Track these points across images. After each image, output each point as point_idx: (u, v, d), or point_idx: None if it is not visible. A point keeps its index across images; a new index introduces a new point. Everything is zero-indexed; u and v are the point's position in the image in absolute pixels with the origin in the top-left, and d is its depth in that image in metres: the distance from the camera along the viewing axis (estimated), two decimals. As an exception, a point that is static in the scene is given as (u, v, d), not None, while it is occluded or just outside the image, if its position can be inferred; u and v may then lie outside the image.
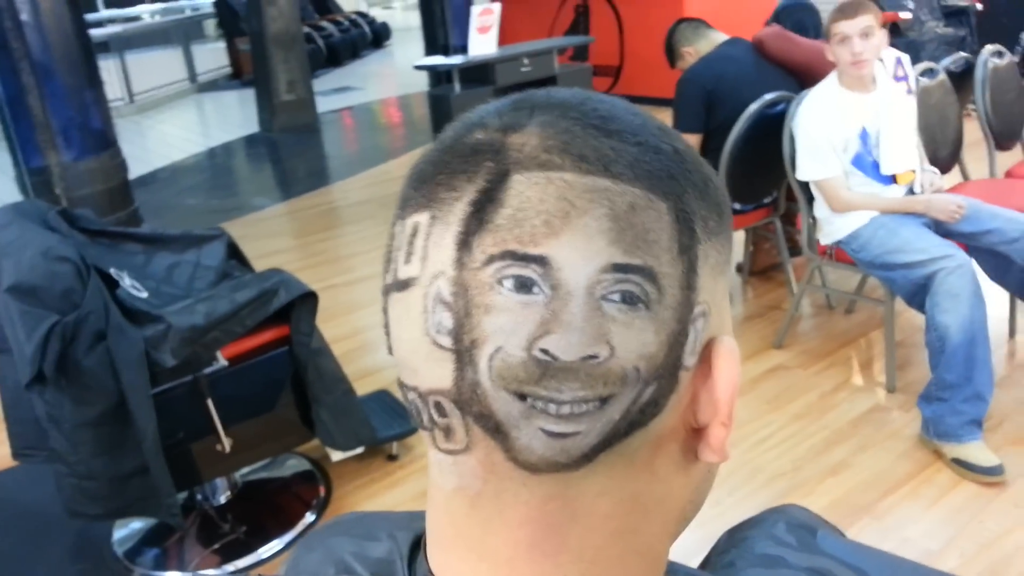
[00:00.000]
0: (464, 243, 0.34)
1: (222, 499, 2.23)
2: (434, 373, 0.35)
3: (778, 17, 3.21)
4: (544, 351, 0.33)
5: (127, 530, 2.21)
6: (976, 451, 2.17)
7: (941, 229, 2.45)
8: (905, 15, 6.04)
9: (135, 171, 5.10)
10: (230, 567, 2.05)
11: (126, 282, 1.93)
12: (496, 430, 0.35)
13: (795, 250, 3.25)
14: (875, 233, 2.43)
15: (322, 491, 2.29)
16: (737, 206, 2.95)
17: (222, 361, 1.90)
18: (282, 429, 2.07)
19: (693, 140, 2.87)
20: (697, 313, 0.36)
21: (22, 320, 1.62)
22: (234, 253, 2.27)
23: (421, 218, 0.35)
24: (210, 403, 1.89)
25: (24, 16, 3.95)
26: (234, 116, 8.73)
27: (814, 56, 2.95)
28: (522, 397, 0.34)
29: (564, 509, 0.37)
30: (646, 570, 0.40)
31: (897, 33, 5.99)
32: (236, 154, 7.27)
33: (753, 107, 2.71)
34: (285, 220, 5.07)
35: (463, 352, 0.34)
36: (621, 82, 7.26)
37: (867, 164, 2.49)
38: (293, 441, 2.17)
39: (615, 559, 0.38)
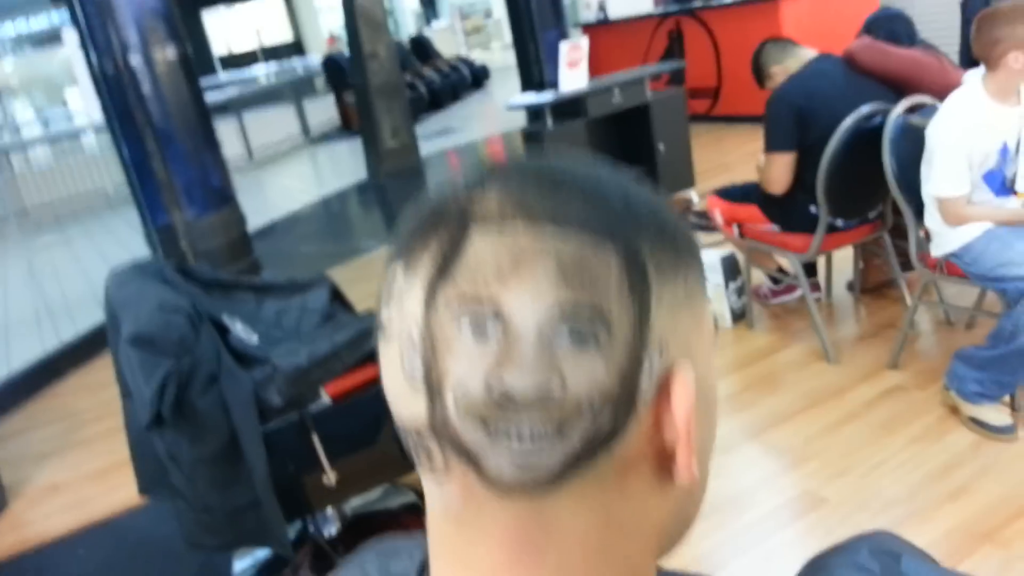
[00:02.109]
0: (429, 298, 0.38)
1: (333, 531, 2.32)
2: (412, 409, 0.40)
3: (870, 28, 3.11)
4: (502, 386, 0.37)
5: (247, 562, 2.32)
6: (991, 412, 2.36)
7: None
8: None
9: (256, 222, 5.40)
10: (342, 599, 2.12)
11: (237, 328, 2.05)
12: (468, 457, 0.39)
13: (908, 264, 3.12)
14: (988, 246, 2.31)
15: (428, 524, 2.34)
16: (840, 223, 2.86)
17: (326, 399, 1.99)
18: (384, 462, 2.13)
19: (786, 159, 2.81)
20: (652, 349, 0.39)
21: (141, 368, 1.75)
22: (336, 296, 2.38)
23: (399, 268, 0.40)
24: (316, 438, 1.98)
25: (145, 88, 4.28)
26: (344, 165, 9.10)
27: (909, 66, 2.84)
28: (487, 426, 0.37)
29: (540, 528, 0.40)
30: None
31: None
32: (347, 201, 7.58)
33: (848, 121, 2.63)
34: (392, 261, 5.24)
35: (433, 390, 0.38)
36: (720, 103, 7.17)
37: (997, 180, 2.37)
38: (395, 473, 2.23)
39: (593, 570, 0.41)
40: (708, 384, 0.44)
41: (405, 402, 0.40)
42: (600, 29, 8.10)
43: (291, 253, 5.88)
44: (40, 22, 13.34)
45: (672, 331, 0.40)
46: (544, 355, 0.36)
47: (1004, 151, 2.32)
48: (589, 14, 8.44)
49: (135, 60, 4.23)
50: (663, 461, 0.41)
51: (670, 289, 0.40)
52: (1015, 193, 2.36)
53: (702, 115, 7.19)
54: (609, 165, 0.44)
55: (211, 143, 4.67)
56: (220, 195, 4.71)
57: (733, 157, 5.88)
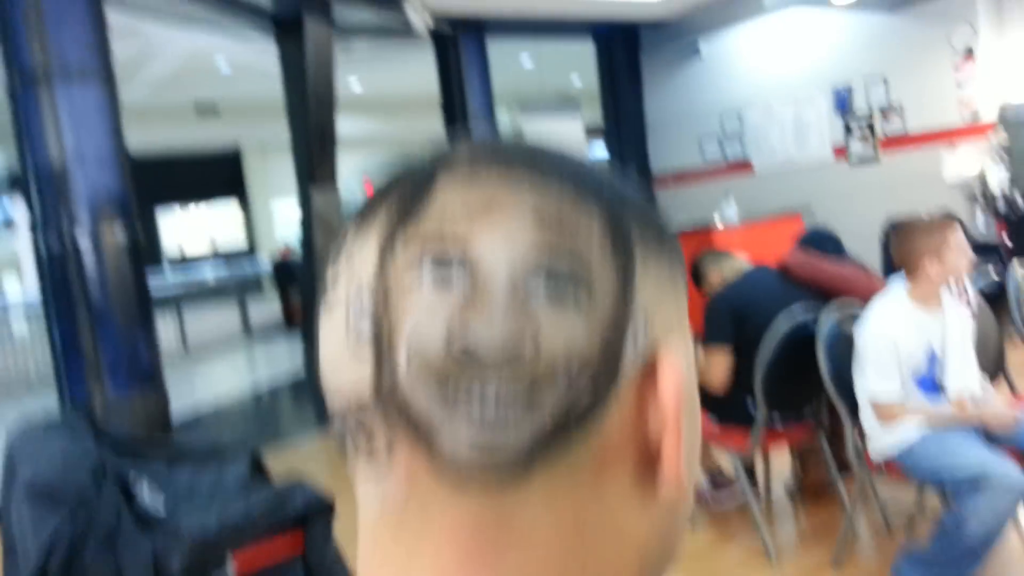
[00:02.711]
0: (387, 245, 0.33)
1: None
2: (355, 380, 0.33)
3: (802, 244, 3.33)
4: (463, 346, 0.31)
5: None
6: None
7: (992, 441, 2.34)
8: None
9: (179, 410, 5.19)
10: None
11: (143, 490, 1.89)
12: (418, 431, 0.32)
13: (845, 466, 3.10)
14: (927, 449, 2.32)
15: None
16: (776, 419, 2.88)
17: (231, 572, 1.80)
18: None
19: (723, 352, 2.88)
20: (637, 318, 0.34)
21: (32, 520, 1.58)
22: (258, 467, 2.23)
23: (351, 230, 0.36)
24: (215, 620, 1.77)
25: (88, 268, 4.24)
26: (281, 362, 8.99)
27: (837, 279, 3.03)
28: (443, 390, 0.31)
29: (499, 526, 0.33)
30: None
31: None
32: (279, 395, 7.41)
33: (784, 322, 2.71)
34: (321, 453, 5.08)
35: (382, 348, 0.32)
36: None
37: (928, 384, 2.43)
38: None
39: None
40: (692, 389, 0.38)
41: (345, 376, 0.34)
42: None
43: (214, 442, 5.62)
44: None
45: (657, 310, 0.35)
46: (516, 304, 0.31)
47: (932, 356, 2.39)
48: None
49: (83, 239, 4.20)
50: (645, 463, 0.35)
51: (655, 264, 0.35)
52: (946, 397, 2.41)
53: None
54: None
55: (146, 321, 4.57)
56: (146, 374, 4.54)
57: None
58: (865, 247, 6.12)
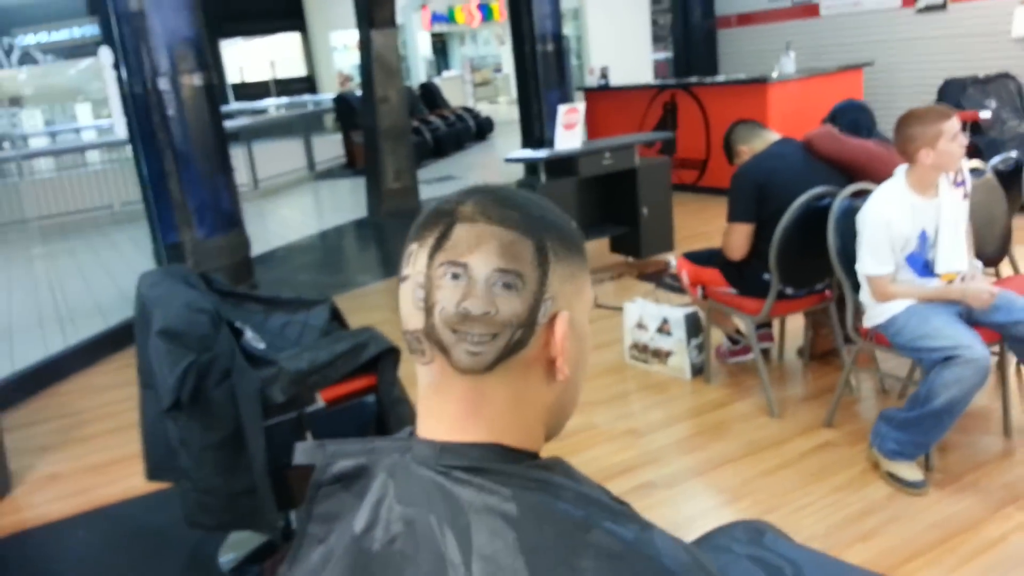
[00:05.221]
0: (431, 257, 0.70)
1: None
2: (415, 321, 0.72)
3: (834, 117, 3.45)
4: (464, 308, 0.69)
5: (230, 556, 2.57)
6: (906, 468, 2.65)
7: (973, 319, 2.64)
8: (986, 114, 6.18)
9: (256, 249, 5.67)
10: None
11: (248, 334, 2.34)
12: (443, 350, 0.71)
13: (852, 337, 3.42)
14: (909, 320, 2.62)
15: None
16: (789, 291, 3.17)
17: (320, 402, 2.27)
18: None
19: (745, 229, 3.13)
20: (546, 297, 0.71)
21: (167, 358, 2.03)
22: (336, 316, 2.67)
23: (414, 246, 0.73)
24: (309, 436, 2.26)
25: (170, 111, 4.61)
26: (346, 201, 9.43)
27: (860, 155, 3.19)
28: (455, 332, 0.69)
29: (480, 396, 0.72)
30: (526, 436, 0.75)
31: (978, 131, 6.14)
32: (345, 236, 7.88)
33: (801, 199, 2.95)
34: (384, 296, 5.53)
35: (427, 310, 0.70)
36: (707, 175, 7.55)
37: (919, 263, 2.69)
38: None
39: (507, 424, 0.73)
40: (582, 328, 0.76)
41: (412, 318, 0.71)
42: (601, 94, 8.53)
43: (288, 280, 6.15)
44: (62, 35, 13.58)
45: (560, 292, 0.72)
46: (488, 293, 0.68)
47: (923, 237, 2.65)
48: (592, 79, 8.88)
49: (163, 83, 4.55)
50: (550, 366, 0.73)
51: (561, 268, 0.72)
52: (936, 274, 2.68)
53: (689, 185, 7.58)
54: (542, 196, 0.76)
55: (225, 168, 4.97)
56: (229, 218, 5.00)
57: (713, 227, 6.22)
58: (923, 101, 6.12)
